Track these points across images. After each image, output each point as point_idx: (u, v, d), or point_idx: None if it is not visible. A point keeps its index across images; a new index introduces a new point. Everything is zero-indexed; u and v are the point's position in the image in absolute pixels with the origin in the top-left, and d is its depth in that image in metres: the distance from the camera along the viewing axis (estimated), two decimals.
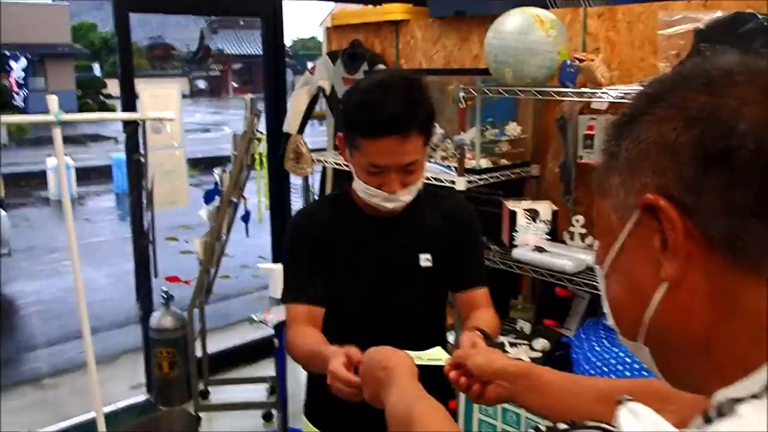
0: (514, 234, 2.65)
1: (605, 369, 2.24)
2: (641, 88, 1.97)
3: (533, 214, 2.68)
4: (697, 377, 0.58)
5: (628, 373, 2.19)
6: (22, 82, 18.54)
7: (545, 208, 2.70)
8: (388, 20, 3.32)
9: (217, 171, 3.48)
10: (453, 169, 2.67)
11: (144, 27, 30.75)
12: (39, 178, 11.16)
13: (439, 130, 3.01)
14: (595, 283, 2.29)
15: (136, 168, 3.61)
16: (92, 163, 12.91)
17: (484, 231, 2.78)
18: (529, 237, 2.63)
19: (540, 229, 2.65)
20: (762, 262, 0.52)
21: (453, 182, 2.60)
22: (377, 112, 1.42)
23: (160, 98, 3.65)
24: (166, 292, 3.75)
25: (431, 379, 1.73)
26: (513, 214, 2.68)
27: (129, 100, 3.56)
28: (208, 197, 3.71)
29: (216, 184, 3.55)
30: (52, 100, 2.53)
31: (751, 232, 0.52)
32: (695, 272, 0.54)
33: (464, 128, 2.59)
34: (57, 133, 2.55)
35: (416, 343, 1.60)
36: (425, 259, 1.62)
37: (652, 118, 0.57)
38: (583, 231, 2.60)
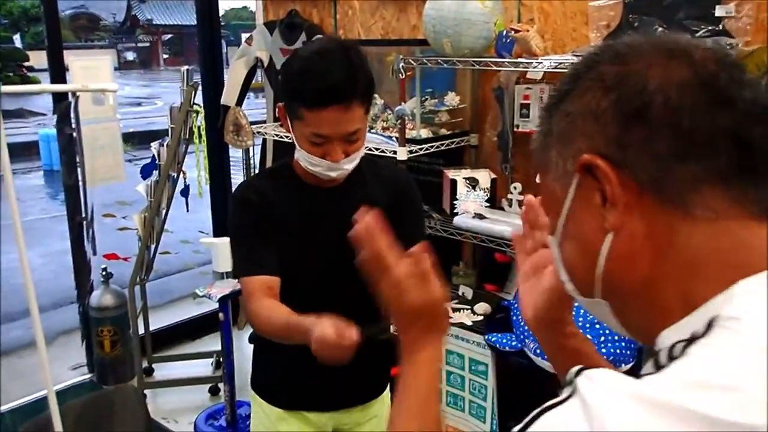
0: (454, 202, 2.71)
1: None
2: (574, 57, 2.03)
3: (473, 183, 2.75)
4: (648, 323, 0.61)
5: None
6: None
7: (484, 176, 2.77)
8: None
9: (154, 145, 3.41)
10: (394, 139, 2.70)
11: None
12: None
13: (379, 101, 3.04)
14: None
15: (68, 143, 3.50)
16: (18, 140, 12.36)
17: (425, 200, 2.83)
18: (469, 204, 2.70)
19: (479, 196, 2.72)
20: (688, 199, 0.58)
21: (394, 152, 2.64)
22: (319, 81, 1.43)
23: (92, 70, 3.54)
24: (105, 270, 3.68)
25: (375, 348, 1.78)
26: (453, 183, 2.74)
27: (58, 73, 3.44)
28: (146, 172, 3.63)
29: (153, 158, 3.49)
30: None
31: (674, 172, 0.58)
32: (633, 218, 0.60)
33: (404, 99, 2.63)
34: None
35: (363, 307, 1.65)
36: None
37: (575, 93, 0.64)
38: (521, 198, 2.68)
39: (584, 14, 2.54)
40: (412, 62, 2.57)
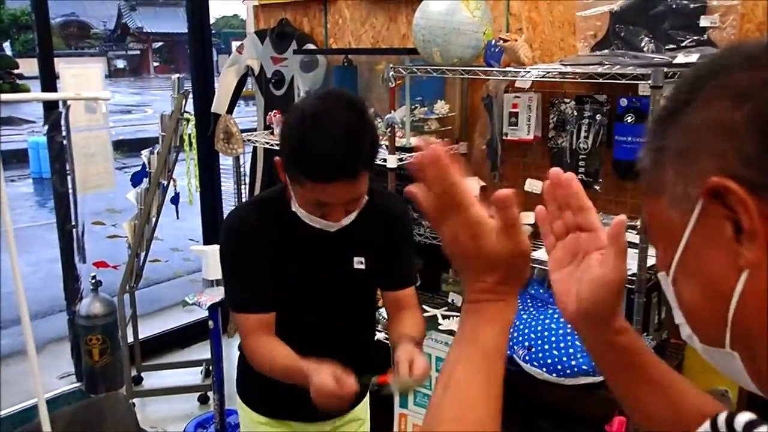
0: None
1: (532, 335, 2.36)
2: (561, 66, 2.05)
3: None
4: None
5: (553, 338, 2.31)
6: None
7: (473, 184, 2.79)
8: None
9: (144, 153, 3.41)
10: (384, 147, 2.72)
11: (57, 3, 29.32)
12: None
13: (370, 110, 3.05)
14: None
15: (59, 151, 3.50)
16: (7, 147, 12.30)
17: (415, 207, 2.87)
18: None
19: None
20: None
21: (384, 160, 2.65)
22: (323, 162, 1.37)
23: (83, 78, 3.55)
24: (94, 278, 3.67)
25: (362, 353, 1.80)
26: None
27: (49, 81, 3.44)
28: (136, 179, 3.64)
29: (144, 165, 3.49)
30: None
31: None
32: None
33: (394, 107, 2.65)
34: None
35: (350, 336, 1.70)
36: (358, 262, 1.64)
37: (698, 103, 0.55)
38: None
39: (572, 24, 2.57)
40: (402, 71, 2.59)
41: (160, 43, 33.94)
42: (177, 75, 3.40)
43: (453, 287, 2.96)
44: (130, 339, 3.74)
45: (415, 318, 1.68)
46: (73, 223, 3.60)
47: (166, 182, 3.41)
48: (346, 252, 1.64)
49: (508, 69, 2.38)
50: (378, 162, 2.66)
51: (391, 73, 2.56)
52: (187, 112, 3.46)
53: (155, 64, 33.69)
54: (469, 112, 2.93)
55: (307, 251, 1.61)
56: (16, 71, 23.11)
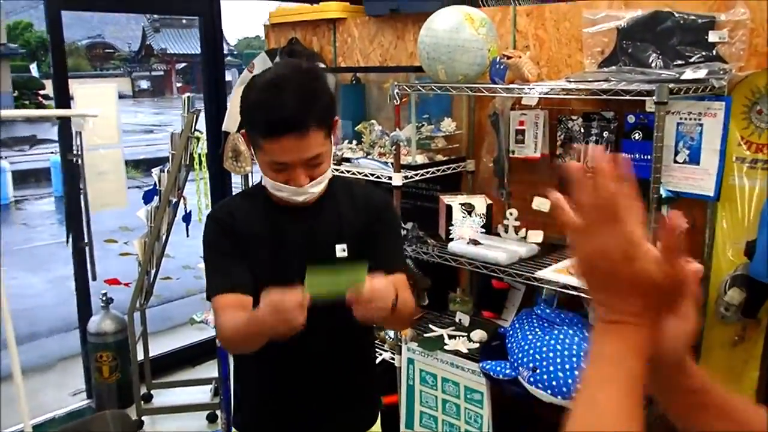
0: (450, 228, 2.71)
1: (537, 357, 2.31)
2: (568, 83, 2.02)
3: (469, 208, 2.74)
4: None
5: (558, 360, 2.27)
6: None
7: (480, 202, 2.76)
8: (325, 18, 3.33)
9: (155, 171, 3.44)
10: (390, 164, 2.71)
11: (83, 26, 29.94)
12: None
13: (377, 127, 3.05)
14: (528, 274, 2.37)
15: (71, 169, 3.54)
16: (31, 167, 12.51)
17: (421, 225, 2.85)
18: (465, 230, 2.69)
19: (475, 222, 2.71)
20: None
21: (390, 178, 2.64)
22: (273, 112, 1.43)
23: (96, 97, 3.60)
24: (105, 295, 3.70)
25: (360, 371, 1.76)
26: (449, 209, 2.73)
27: (63, 100, 3.49)
28: (147, 197, 3.66)
29: (155, 184, 3.51)
30: None
31: None
32: None
33: (400, 125, 2.64)
34: None
35: (338, 332, 1.63)
36: (341, 250, 1.62)
37: None
38: (517, 224, 2.67)
39: (578, 41, 2.55)
40: (407, 88, 2.59)
41: (182, 64, 34.45)
42: (187, 94, 3.43)
43: (460, 306, 2.92)
44: (141, 356, 3.75)
45: (404, 292, 1.56)
46: (86, 241, 3.62)
47: (176, 200, 3.43)
48: (328, 238, 1.62)
49: (512, 86, 2.36)
50: (383, 179, 2.67)
51: (396, 90, 2.56)
52: (197, 130, 3.48)
53: (178, 84, 34.18)
54: (476, 129, 2.92)
55: (287, 237, 1.60)
56: (42, 92, 23.61)
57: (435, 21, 2.51)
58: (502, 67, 2.38)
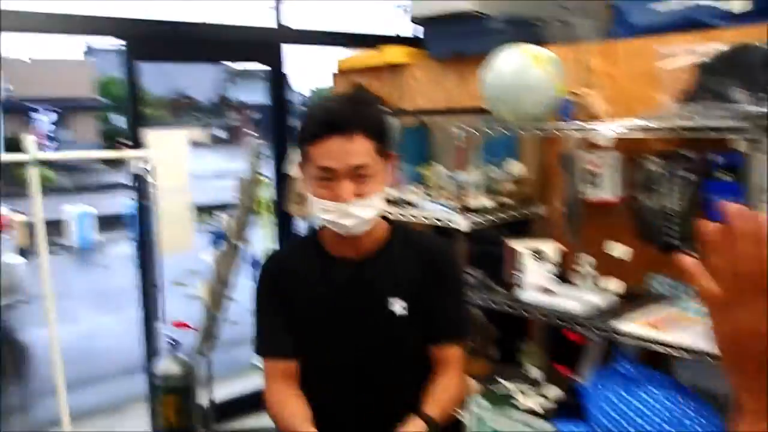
0: (519, 275, 2.58)
1: (622, 421, 2.13)
2: (643, 122, 1.89)
3: (539, 254, 2.61)
4: None
5: (648, 427, 2.08)
6: (51, 135, 18.97)
7: (551, 248, 2.62)
8: (389, 63, 3.32)
9: (221, 215, 3.46)
10: (455, 208, 2.62)
11: (165, 79, 31.45)
12: (59, 226, 11.28)
13: (441, 170, 2.98)
14: (607, 326, 2.20)
15: (143, 213, 3.61)
16: (114, 211, 13.04)
17: (488, 272, 2.73)
18: (536, 278, 2.55)
19: (546, 269, 2.57)
20: None
21: (455, 222, 2.55)
22: (320, 114, 1.43)
23: (167, 142, 3.69)
24: (172, 338, 3.71)
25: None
26: (518, 255, 2.61)
27: (138, 146, 3.58)
28: (215, 241, 3.70)
29: (221, 228, 3.54)
30: (29, 141, 2.57)
31: None
32: None
33: (465, 167, 2.55)
34: (34, 173, 2.61)
35: (391, 398, 1.52)
36: (399, 307, 1.51)
37: None
38: (592, 271, 2.52)
39: (653, 77, 2.41)
40: (472, 130, 2.51)
41: (257, 114, 35.58)
42: (254, 139, 3.46)
43: (531, 359, 2.76)
44: (206, 401, 3.72)
45: (449, 384, 1.51)
46: (154, 283, 3.67)
47: (241, 244, 3.43)
48: (384, 293, 1.51)
49: (583, 125, 2.24)
50: (449, 223, 2.58)
51: (460, 132, 2.48)
52: (263, 175, 3.50)
53: (252, 133, 35.25)
54: (546, 172, 2.80)
55: (341, 290, 1.52)
56: (126, 141, 24.75)
57: (499, 61, 2.44)
58: (570, 105, 2.28)
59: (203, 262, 3.71)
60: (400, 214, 2.82)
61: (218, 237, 3.65)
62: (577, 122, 2.30)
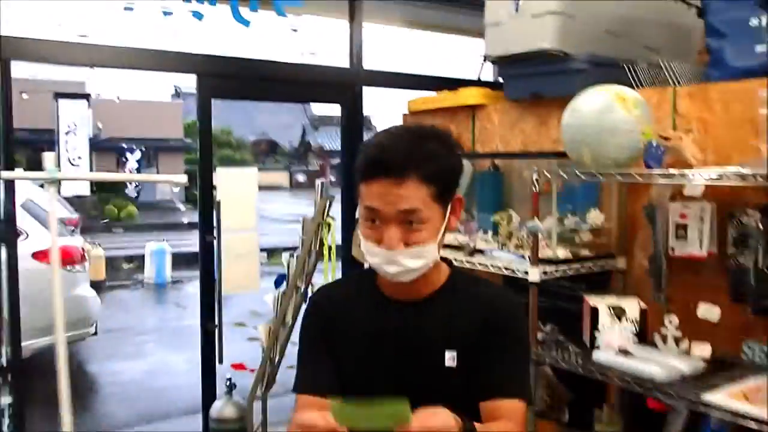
0: (596, 334, 2.36)
1: None
2: (741, 169, 1.69)
3: (618, 312, 2.39)
4: None
5: None
6: (136, 172, 19.82)
7: (632, 306, 2.40)
8: (464, 105, 3.21)
9: (285, 256, 3.39)
10: (527, 258, 2.44)
11: (250, 123, 32.55)
12: (138, 262, 11.61)
13: (515, 217, 2.82)
14: (693, 395, 1.96)
15: (207, 249, 3.58)
16: (193, 250, 13.33)
17: (562, 329, 2.52)
18: (614, 338, 2.33)
19: (626, 329, 2.35)
20: None
21: (526, 272, 2.37)
22: (372, 152, 1.30)
23: (236, 180, 3.68)
24: (229, 380, 3.63)
25: None
26: (595, 311, 2.39)
27: (207, 182, 3.59)
28: (278, 282, 3.62)
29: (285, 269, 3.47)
30: (48, 158, 2.58)
31: None
32: None
33: (538, 214, 2.38)
34: (52, 191, 2.62)
35: None
36: (450, 358, 1.35)
37: None
38: (678, 334, 2.28)
39: (754, 123, 2.20)
40: (548, 174, 2.34)
41: (337, 160, 36.24)
42: (321, 180, 3.40)
43: (607, 427, 2.52)
44: None
45: (504, 427, 1.31)
46: (215, 323, 3.61)
47: (304, 286, 3.34)
48: (437, 341, 1.36)
49: (671, 171, 2.05)
50: (519, 273, 2.40)
51: (535, 176, 2.32)
52: (331, 216, 3.42)
53: (332, 179, 35.87)
54: (628, 223, 2.59)
55: (390, 335, 1.38)
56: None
57: (581, 101, 2.28)
58: (659, 150, 2.09)
59: (266, 304, 3.64)
60: (467, 261, 2.67)
61: (282, 278, 3.58)
62: (665, 169, 2.10)
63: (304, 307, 3.42)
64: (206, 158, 3.57)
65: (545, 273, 2.38)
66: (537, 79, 2.78)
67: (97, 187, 17.89)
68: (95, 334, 6.05)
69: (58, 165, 3.41)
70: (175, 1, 3.45)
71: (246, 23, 3.62)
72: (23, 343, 5.29)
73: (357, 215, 3.25)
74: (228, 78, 3.56)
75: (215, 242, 3.58)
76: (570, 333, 2.50)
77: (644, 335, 2.37)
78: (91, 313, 5.91)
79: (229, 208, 3.60)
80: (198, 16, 3.47)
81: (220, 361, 3.61)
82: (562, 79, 2.66)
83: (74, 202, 16.23)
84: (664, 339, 2.31)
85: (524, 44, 2.68)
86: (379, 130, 1.41)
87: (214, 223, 3.60)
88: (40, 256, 5.52)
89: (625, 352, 2.25)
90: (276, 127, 35.85)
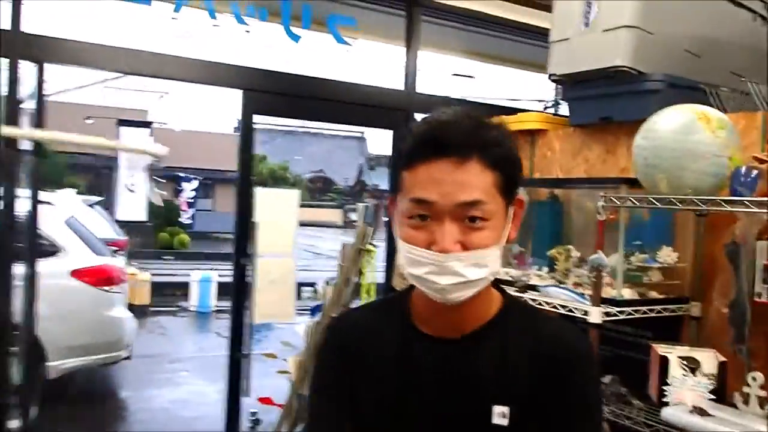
0: (665, 388, 2.04)
1: None
2: None
3: (692, 365, 2.07)
4: None
5: None
6: (192, 201, 20.11)
7: (709, 358, 2.07)
8: (523, 129, 2.96)
9: (320, 283, 3.17)
10: (586, 297, 2.15)
11: (308, 161, 32.94)
12: (185, 289, 11.57)
13: (574, 253, 2.53)
14: None
15: (241, 274, 3.40)
16: (228, 280, 13.26)
17: (624, 380, 2.20)
18: (686, 394, 2.01)
19: (701, 384, 2.02)
20: None
21: (586, 313, 2.08)
22: (424, 129, 1.03)
23: (275, 201, 3.51)
24: (254, 415, 3.40)
25: None
26: (665, 362, 2.07)
27: (245, 201, 3.42)
28: (314, 312, 3.40)
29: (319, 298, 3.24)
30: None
31: None
32: None
33: (602, 246, 2.09)
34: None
35: None
36: (500, 414, 1.04)
37: None
38: (762, 393, 1.94)
39: None
40: (616, 200, 2.06)
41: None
42: (364, 204, 3.19)
43: None
44: None
45: None
46: (243, 352, 3.41)
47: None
48: (483, 393, 1.06)
49: (765, 199, 1.74)
50: (577, 313, 2.11)
51: (602, 202, 2.04)
52: (372, 244, 3.19)
53: (385, 218, 35.84)
54: (706, 263, 2.27)
55: (423, 380, 1.09)
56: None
57: (658, 121, 2.01)
58: (751, 176, 1.79)
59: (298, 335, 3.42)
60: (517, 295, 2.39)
61: (318, 309, 3.36)
62: (754, 199, 1.80)
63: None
64: (245, 177, 3.40)
65: (607, 314, 2.08)
66: (606, 101, 2.51)
67: (154, 214, 18.20)
68: (128, 358, 5.91)
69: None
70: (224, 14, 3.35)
71: (296, 38, 3.49)
72: (52, 363, 5.23)
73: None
74: (273, 94, 3.41)
75: (247, 266, 3.39)
76: (634, 385, 2.18)
77: (722, 393, 2.03)
78: (125, 336, 5.78)
79: (266, 231, 3.41)
80: (241, 21, 3.35)
81: (247, 394, 3.39)
82: (635, 100, 2.39)
83: (130, 227, 16.54)
84: (746, 399, 1.98)
85: (594, 61, 2.43)
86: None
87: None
88: (79, 274, 5.45)
89: (700, 411, 1.92)
90: (332, 164, 36.22)
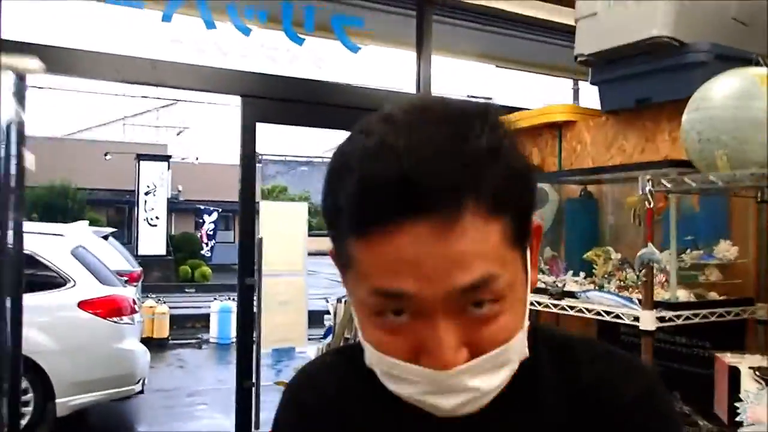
0: (737, 405, 1.71)
1: None
2: None
3: (767, 376, 1.74)
4: None
5: None
6: (211, 233, 20.00)
7: None
8: (548, 122, 2.67)
9: (331, 300, 2.89)
10: (635, 300, 1.84)
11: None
12: (205, 321, 11.35)
13: (614, 255, 2.22)
14: None
15: (247, 295, 3.12)
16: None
17: (685, 396, 1.87)
18: (763, 411, 1.68)
19: None
20: None
21: (635, 319, 1.77)
22: (384, 169, 0.59)
23: (283, 213, 3.25)
24: None
25: None
26: (735, 374, 1.75)
27: (248, 215, 3.16)
28: (327, 334, 3.12)
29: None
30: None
31: None
32: None
33: (652, 239, 1.79)
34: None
35: None
36: None
37: None
38: None
39: None
40: (667, 184, 1.75)
41: None
42: None
43: None
44: None
45: None
46: (252, 381, 3.12)
47: (352, 337, 2.81)
48: None
49: None
50: (625, 320, 1.80)
51: (650, 186, 1.73)
52: None
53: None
54: None
55: None
56: None
57: (712, 89, 1.72)
58: None
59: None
60: (553, 305, 2.08)
61: (331, 331, 3.07)
62: None
63: None
64: (247, 188, 3.15)
65: (661, 320, 1.77)
66: (643, 81, 2.21)
67: (174, 247, 18.09)
68: (141, 392, 5.66)
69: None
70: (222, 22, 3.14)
71: (299, 41, 3.26)
72: (61, 400, 4.98)
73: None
74: (276, 100, 3.17)
75: (253, 285, 3.12)
76: (696, 403, 1.86)
77: None
78: (137, 369, 5.53)
79: (273, 247, 3.15)
80: (245, 31, 3.14)
81: (257, 426, 3.09)
82: (678, 77, 2.09)
83: (151, 261, 16.42)
84: None
85: (628, 35, 2.13)
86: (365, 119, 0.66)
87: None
88: (87, 305, 5.23)
89: None
90: None
